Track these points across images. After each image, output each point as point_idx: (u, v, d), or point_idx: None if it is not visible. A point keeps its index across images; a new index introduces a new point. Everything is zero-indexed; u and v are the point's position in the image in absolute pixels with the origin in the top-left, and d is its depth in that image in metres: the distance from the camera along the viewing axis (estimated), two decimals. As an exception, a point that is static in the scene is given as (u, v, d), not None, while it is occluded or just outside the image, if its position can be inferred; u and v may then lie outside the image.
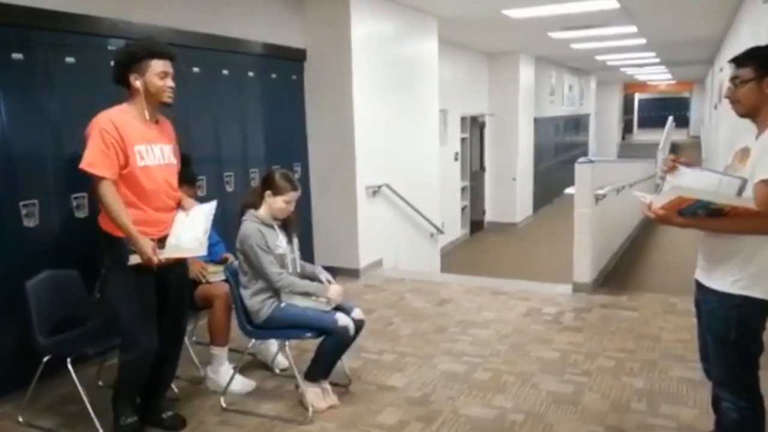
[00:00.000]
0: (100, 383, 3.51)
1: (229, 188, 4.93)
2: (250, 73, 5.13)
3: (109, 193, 2.65)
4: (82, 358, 3.18)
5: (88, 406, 2.99)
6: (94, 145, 2.62)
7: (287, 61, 5.58)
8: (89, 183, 2.79)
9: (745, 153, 2.21)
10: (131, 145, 2.69)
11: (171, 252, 2.78)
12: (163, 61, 2.74)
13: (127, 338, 2.82)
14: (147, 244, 2.67)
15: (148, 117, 2.78)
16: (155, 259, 2.68)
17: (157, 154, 2.79)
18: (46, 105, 3.57)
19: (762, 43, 2.60)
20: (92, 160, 2.62)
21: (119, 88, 3.92)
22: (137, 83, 2.71)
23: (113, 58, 2.81)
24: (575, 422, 3.05)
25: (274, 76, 5.41)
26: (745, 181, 2.10)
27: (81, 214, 3.75)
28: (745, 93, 2.17)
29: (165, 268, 2.80)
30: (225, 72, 4.84)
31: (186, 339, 3.70)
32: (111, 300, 2.84)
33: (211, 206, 2.92)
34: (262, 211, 3.23)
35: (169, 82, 2.75)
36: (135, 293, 2.78)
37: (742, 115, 2.25)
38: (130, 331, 2.80)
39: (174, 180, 2.91)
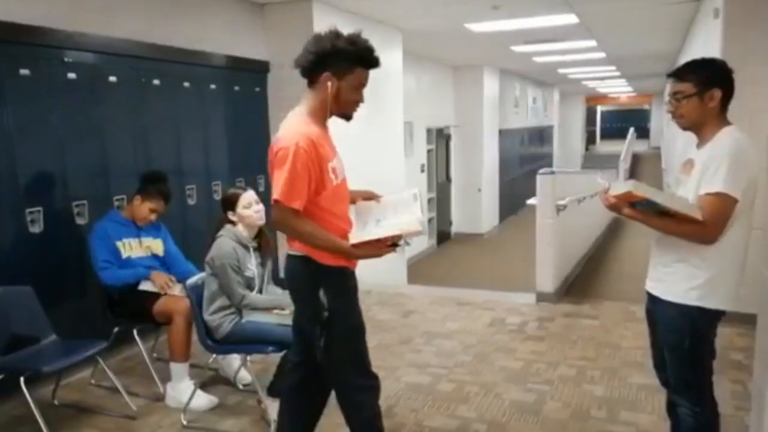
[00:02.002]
0: (56, 402, 3.42)
1: (191, 201, 4.87)
2: (212, 86, 5.09)
3: (299, 223, 2.18)
4: (36, 377, 3.10)
5: (43, 427, 2.91)
6: (287, 174, 2.12)
7: (250, 73, 5.55)
8: (273, 216, 2.21)
9: (688, 164, 2.27)
10: (326, 164, 2.24)
11: (392, 228, 2.27)
12: (366, 71, 2.29)
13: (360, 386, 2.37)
14: (370, 252, 2.23)
15: (326, 124, 2.35)
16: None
17: (341, 166, 2.38)
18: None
19: (713, 56, 2.70)
20: (285, 192, 2.13)
21: (77, 102, 3.91)
22: (329, 84, 2.24)
23: (312, 42, 2.27)
24: (537, 431, 3.08)
25: (237, 88, 5.38)
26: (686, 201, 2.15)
27: (81, 221, 3.90)
28: (689, 109, 2.21)
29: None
30: (186, 84, 4.80)
31: (145, 355, 3.65)
32: (342, 339, 2.31)
33: (409, 193, 2.46)
34: (241, 229, 3.22)
35: (362, 97, 2.34)
36: (361, 324, 2.37)
37: (686, 129, 2.30)
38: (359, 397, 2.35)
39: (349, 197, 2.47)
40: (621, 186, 2.16)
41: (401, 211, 2.36)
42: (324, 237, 2.20)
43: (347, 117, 2.35)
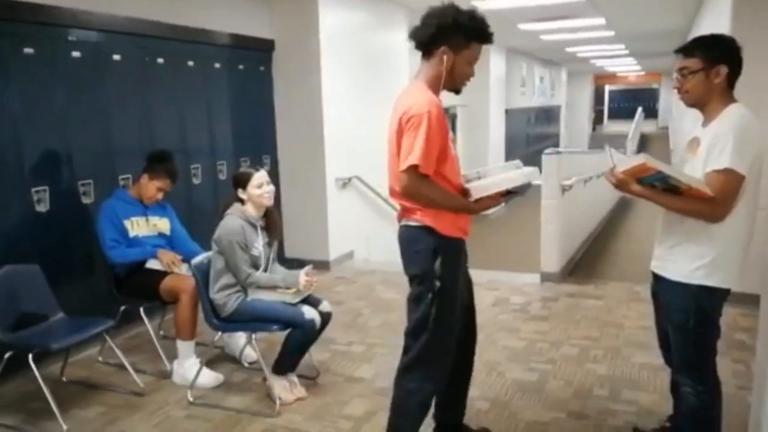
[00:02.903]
0: (64, 379, 3.47)
1: (196, 180, 4.88)
2: (217, 65, 5.08)
3: (430, 189, 2.22)
4: (45, 354, 3.14)
5: (52, 403, 2.96)
6: (422, 140, 2.15)
7: (255, 52, 5.52)
8: (407, 183, 2.21)
9: (694, 142, 2.25)
10: (447, 134, 2.28)
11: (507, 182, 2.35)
12: (481, 46, 2.30)
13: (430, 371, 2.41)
14: (487, 205, 2.32)
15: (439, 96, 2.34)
16: None
17: (454, 143, 2.39)
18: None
19: (722, 32, 2.66)
20: (422, 157, 2.15)
21: (81, 81, 3.91)
22: (445, 57, 2.25)
23: (432, 15, 2.26)
24: (539, 409, 3.10)
25: (241, 67, 5.36)
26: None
27: (87, 200, 3.96)
28: (694, 84, 2.20)
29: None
30: (190, 63, 4.78)
31: (152, 333, 3.69)
32: (449, 308, 2.35)
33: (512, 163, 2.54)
34: (249, 208, 3.23)
35: (473, 71, 2.35)
36: (458, 310, 2.42)
37: (690, 105, 2.29)
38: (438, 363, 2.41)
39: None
40: (632, 160, 2.14)
41: (506, 170, 2.45)
42: (453, 199, 2.29)
43: (457, 90, 2.38)
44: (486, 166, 2.59)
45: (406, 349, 2.43)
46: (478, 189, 2.32)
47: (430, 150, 2.17)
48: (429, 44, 2.28)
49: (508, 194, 2.37)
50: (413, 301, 2.38)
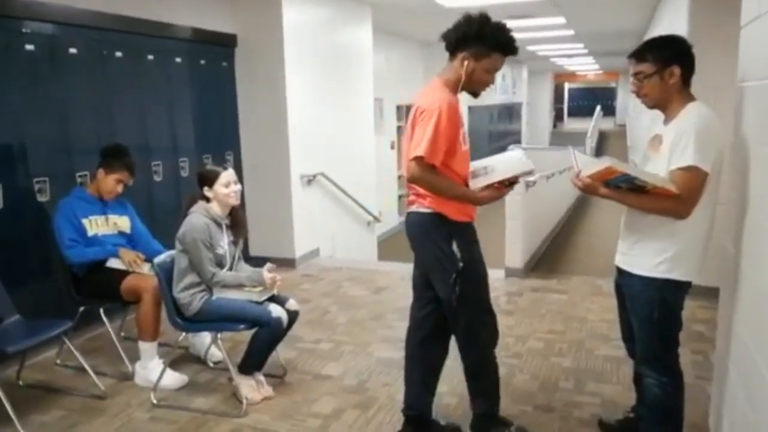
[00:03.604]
0: (21, 383, 3.36)
1: (157, 178, 4.77)
2: (178, 59, 4.97)
3: (434, 178, 2.40)
4: (0, 358, 3.03)
5: (8, 408, 2.85)
6: (431, 134, 2.33)
7: (217, 47, 5.43)
8: (414, 172, 2.41)
9: (656, 140, 2.30)
10: (459, 129, 2.46)
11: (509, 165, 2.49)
12: (503, 57, 2.46)
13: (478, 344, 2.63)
14: (492, 196, 2.48)
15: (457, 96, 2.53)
16: None
17: (466, 138, 2.55)
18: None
19: (680, 33, 2.73)
20: (429, 150, 2.33)
21: (36, 75, 3.78)
22: (465, 63, 2.42)
23: (463, 22, 2.43)
24: (506, 403, 3.12)
25: (203, 62, 5.27)
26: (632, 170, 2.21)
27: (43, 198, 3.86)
28: (650, 87, 2.26)
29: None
30: (150, 57, 4.67)
31: (113, 334, 3.59)
32: (474, 285, 2.54)
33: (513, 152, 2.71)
34: (215, 207, 3.17)
35: (493, 79, 2.52)
36: (485, 271, 2.60)
37: (652, 108, 2.35)
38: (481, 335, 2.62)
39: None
40: (597, 164, 2.18)
41: (506, 160, 2.59)
42: (457, 188, 2.46)
43: (475, 94, 2.55)
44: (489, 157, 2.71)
45: (451, 326, 2.66)
46: (476, 182, 2.49)
47: (437, 143, 2.34)
48: (454, 47, 2.46)
49: (511, 184, 2.52)
50: (437, 284, 2.57)
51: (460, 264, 2.47)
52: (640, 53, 2.27)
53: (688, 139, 2.12)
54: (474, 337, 2.63)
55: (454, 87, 2.48)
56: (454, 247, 2.47)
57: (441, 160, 2.38)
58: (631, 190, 2.19)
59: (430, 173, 2.39)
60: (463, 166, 2.49)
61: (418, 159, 2.35)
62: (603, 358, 3.64)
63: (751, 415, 1.97)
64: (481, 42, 2.40)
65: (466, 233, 2.53)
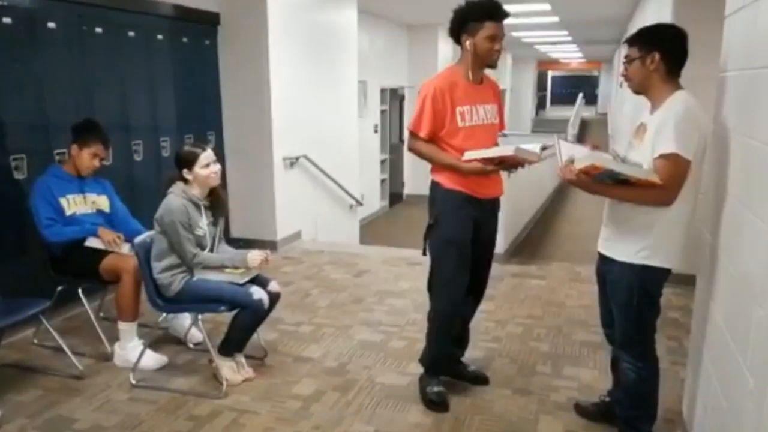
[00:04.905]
0: (-3, 363, 3.32)
1: (138, 157, 4.70)
2: (159, 36, 4.88)
3: (422, 146, 2.80)
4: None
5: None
6: (418, 109, 2.77)
7: (199, 25, 5.34)
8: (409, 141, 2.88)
9: (641, 129, 2.33)
10: (454, 108, 2.74)
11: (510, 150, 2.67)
12: (495, 23, 2.71)
13: (435, 296, 2.95)
14: (478, 168, 2.71)
15: (471, 78, 2.79)
16: None
17: (481, 114, 2.81)
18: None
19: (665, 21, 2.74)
20: (415, 123, 2.78)
21: (13, 49, 3.70)
22: (467, 43, 2.73)
23: (452, 15, 2.77)
24: (485, 387, 3.17)
25: (185, 40, 5.18)
26: (617, 158, 2.30)
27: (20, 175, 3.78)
28: (633, 71, 2.32)
29: (482, 209, 2.87)
30: (131, 34, 4.58)
31: (91, 314, 3.56)
32: (432, 252, 2.88)
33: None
34: (194, 188, 3.13)
35: (497, 45, 2.74)
36: (453, 248, 2.82)
37: (635, 91, 2.39)
38: (438, 290, 2.92)
39: (494, 140, 2.92)
40: (581, 161, 2.19)
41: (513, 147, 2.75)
42: (438, 155, 2.80)
43: (491, 66, 2.80)
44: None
45: None
46: (470, 154, 2.74)
47: (424, 119, 2.75)
48: (457, 37, 2.78)
49: (501, 164, 2.75)
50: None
51: (431, 221, 2.85)
52: (632, 38, 2.34)
53: (669, 127, 2.15)
54: (432, 290, 2.96)
55: (465, 69, 2.79)
56: (435, 209, 2.84)
57: (429, 133, 2.76)
58: (617, 182, 2.22)
59: (418, 143, 2.81)
60: (460, 140, 2.76)
61: (410, 131, 2.83)
62: (580, 343, 3.70)
63: (723, 400, 2.02)
64: (471, 18, 2.71)
65: (450, 198, 2.80)
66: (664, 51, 2.24)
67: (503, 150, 2.72)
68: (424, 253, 2.91)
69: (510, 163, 2.76)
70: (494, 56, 2.76)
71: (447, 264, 2.85)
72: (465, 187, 2.78)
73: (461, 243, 2.83)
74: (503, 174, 2.92)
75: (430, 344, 3.02)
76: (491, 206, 2.96)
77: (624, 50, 2.39)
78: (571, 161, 2.24)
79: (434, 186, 2.87)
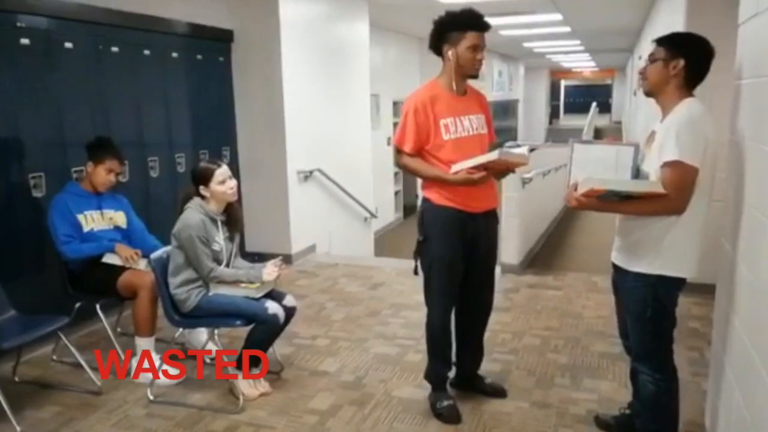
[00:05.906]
0: (16, 379, 3.35)
1: (154, 174, 4.75)
2: (174, 54, 4.94)
3: (408, 161, 2.81)
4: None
5: (4, 403, 2.85)
6: (401, 124, 2.80)
7: (213, 42, 5.41)
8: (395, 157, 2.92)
9: (651, 137, 2.32)
10: (437, 121, 2.73)
11: (500, 154, 2.66)
12: (477, 33, 2.71)
13: (428, 311, 2.97)
14: (464, 177, 2.68)
15: (455, 89, 2.79)
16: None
17: (466, 125, 2.79)
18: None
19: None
20: (399, 137, 2.80)
21: (31, 70, 3.77)
22: (449, 54, 2.73)
23: (432, 27, 2.78)
24: (503, 400, 3.14)
25: (199, 57, 5.24)
26: (637, 146, 2.29)
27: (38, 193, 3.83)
28: (652, 70, 2.29)
29: (476, 223, 2.83)
30: (146, 52, 4.65)
31: (109, 330, 3.58)
32: (422, 268, 2.91)
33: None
34: (211, 205, 3.16)
35: (479, 56, 2.74)
36: (443, 266, 2.84)
37: (647, 92, 2.37)
38: (430, 305, 2.95)
39: (484, 151, 2.82)
40: (581, 186, 2.19)
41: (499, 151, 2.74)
42: (425, 168, 2.79)
43: (474, 76, 2.80)
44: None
45: None
46: (456, 166, 2.71)
47: (407, 133, 2.76)
48: (437, 48, 2.77)
49: (486, 170, 2.70)
50: None
51: (420, 237, 2.86)
52: (662, 38, 2.32)
53: (672, 134, 2.14)
54: (427, 305, 2.98)
55: (448, 80, 2.78)
56: (423, 225, 2.85)
57: (413, 147, 2.76)
58: (623, 198, 2.20)
59: (403, 157, 2.82)
60: (447, 153, 2.74)
61: (394, 146, 2.85)
62: (599, 354, 3.65)
63: (747, 412, 1.98)
64: (452, 28, 2.71)
65: (442, 217, 2.79)
66: (689, 60, 2.22)
67: (488, 156, 2.68)
68: (416, 272, 2.92)
69: (498, 169, 2.75)
70: (477, 66, 2.75)
71: (437, 281, 2.87)
72: (456, 203, 2.76)
73: (450, 262, 2.83)
74: (496, 183, 2.92)
75: (429, 359, 3.04)
76: (485, 219, 2.89)
77: (647, 49, 2.37)
78: (575, 187, 2.24)
79: (424, 202, 2.86)
